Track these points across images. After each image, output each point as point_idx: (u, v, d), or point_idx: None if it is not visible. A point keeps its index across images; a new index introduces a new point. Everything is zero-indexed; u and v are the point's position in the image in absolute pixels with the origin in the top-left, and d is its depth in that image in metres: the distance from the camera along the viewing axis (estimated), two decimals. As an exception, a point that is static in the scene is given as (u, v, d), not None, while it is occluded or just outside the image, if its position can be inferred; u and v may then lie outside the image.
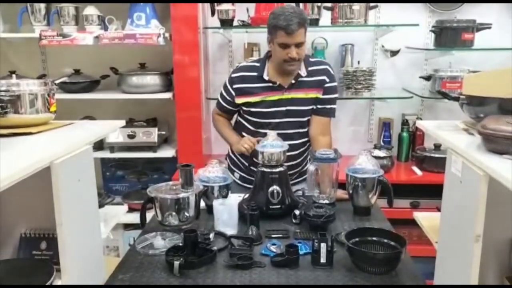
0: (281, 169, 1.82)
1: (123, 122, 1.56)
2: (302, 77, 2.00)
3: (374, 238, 1.51)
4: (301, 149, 2.05)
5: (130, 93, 2.74)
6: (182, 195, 1.68)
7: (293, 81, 1.99)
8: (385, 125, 2.91)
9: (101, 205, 1.54)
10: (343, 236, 1.48)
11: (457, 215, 1.17)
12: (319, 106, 2.03)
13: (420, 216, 1.54)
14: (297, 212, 1.76)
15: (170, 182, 1.78)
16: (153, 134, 2.72)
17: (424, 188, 2.59)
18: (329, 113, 2.06)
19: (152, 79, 2.73)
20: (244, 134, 2.06)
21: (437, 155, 2.64)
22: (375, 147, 2.72)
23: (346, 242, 1.44)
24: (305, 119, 2.04)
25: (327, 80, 2.02)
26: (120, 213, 1.64)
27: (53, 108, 1.47)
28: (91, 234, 1.29)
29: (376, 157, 2.59)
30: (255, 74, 2.02)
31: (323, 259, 1.43)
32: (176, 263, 1.37)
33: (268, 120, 2.00)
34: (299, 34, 1.86)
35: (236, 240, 1.57)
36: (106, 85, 2.91)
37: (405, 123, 2.89)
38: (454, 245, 1.18)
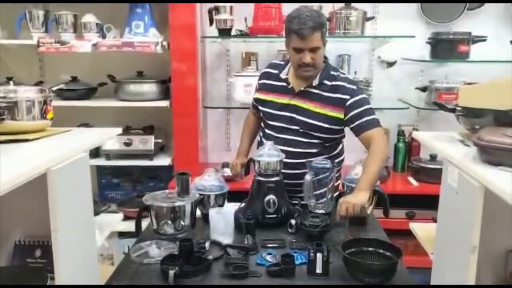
0: (277, 178, 1.82)
1: (119, 130, 1.56)
2: (313, 86, 1.93)
3: (370, 249, 1.51)
4: (310, 159, 1.92)
5: (127, 100, 2.74)
6: (178, 203, 1.67)
7: (302, 88, 1.94)
8: (381, 136, 2.92)
9: (96, 213, 1.53)
10: (339, 247, 1.48)
11: (453, 226, 1.17)
12: (352, 126, 1.89)
13: (416, 227, 1.54)
14: (293, 221, 1.76)
15: (166, 191, 1.78)
16: (150, 142, 2.72)
17: (420, 199, 2.59)
18: (365, 127, 1.85)
19: (150, 87, 2.73)
20: (261, 134, 2.04)
21: (433, 166, 2.65)
22: (371, 157, 2.72)
23: (342, 252, 1.44)
24: (314, 132, 1.92)
25: (347, 97, 1.89)
26: (115, 221, 1.64)
27: (50, 115, 1.47)
28: (86, 242, 1.28)
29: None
30: (277, 72, 2.02)
31: (319, 269, 1.43)
32: (171, 272, 1.36)
33: (275, 123, 1.98)
34: (313, 38, 1.78)
35: (231, 249, 1.56)
36: (103, 93, 2.90)
37: (401, 133, 2.90)
38: (450, 256, 1.18)
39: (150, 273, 1.45)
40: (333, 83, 1.92)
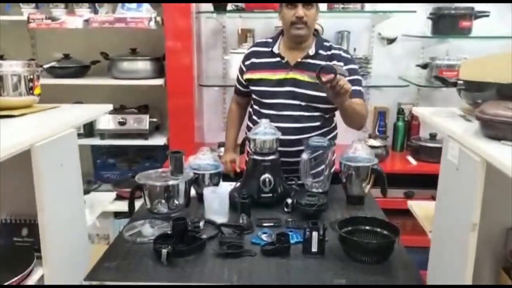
0: (273, 156, 1.77)
1: (109, 107, 1.51)
2: (310, 56, 1.92)
3: (367, 227, 1.48)
4: (311, 134, 1.93)
5: (121, 78, 2.68)
6: (171, 182, 1.64)
7: (299, 59, 1.91)
8: (380, 114, 2.88)
9: (86, 192, 1.50)
10: (335, 225, 1.44)
11: (452, 203, 1.13)
12: None
13: (414, 205, 1.51)
14: (289, 200, 1.73)
15: (160, 170, 1.74)
16: (144, 121, 2.67)
17: (418, 178, 2.56)
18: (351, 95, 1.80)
19: (144, 65, 2.67)
20: (255, 118, 2.00)
21: (432, 145, 2.61)
22: (370, 136, 2.69)
23: (338, 231, 1.41)
24: (315, 104, 1.91)
25: (341, 65, 1.89)
26: (107, 200, 1.60)
27: (37, 91, 1.42)
28: (75, 221, 1.24)
29: (371, 147, 2.54)
30: (267, 49, 1.99)
31: (314, 248, 1.40)
32: (164, 251, 1.33)
33: (274, 100, 1.94)
34: None
35: (226, 228, 1.53)
36: (97, 71, 2.84)
37: (400, 112, 2.85)
38: (449, 234, 1.14)
39: (143, 252, 1.42)
40: (329, 52, 1.93)
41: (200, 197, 1.77)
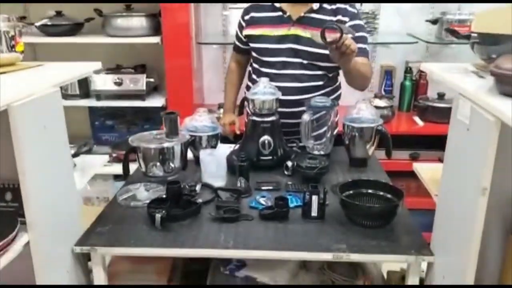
0: (273, 118, 1.69)
1: (98, 65, 1.42)
2: (314, 11, 1.79)
3: (370, 191, 1.42)
4: (313, 94, 1.83)
5: (116, 36, 2.56)
6: (166, 144, 1.57)
7: (302, 14, 1.79)
8: (387, 73, 2.76)
9: (76, 155, 1.44)
10: (336, 189, 1.38)
11: (462, 166, 1.06)
12: None
13: (420, 168, 1.44)
14: (289, 163, 1.66)
15: (154, 132, 1.67)
16: (141, 82, 2.58)
17: (425, 139, 2.48)
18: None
19: (139, 22, 2.55)
20: (254, 77, 1.91)
21: (440, 105, 2.51)
22: (376, 96, 2.58)
23: (339, 195, 1.35)
24: (318, 62, 1.80)
25: (346, 20, 1.78)
26: (100, 162, 1.54)
27: (19, 48, 1.33)
28: (62, 185, 1.19)
29: (377, 107, 2.46)
30: (268, 4, 1.86)
31: (314, 213, 1.35)
32: (158, 215, 1.28)
33: (274, 58, 1.84)
34: None
35: (223, 192, 1.48)
36: (91, 29, 2.72)
37: (408, 71, 2.73)
38: (457, 198, 1.08)
39: (137, 216, 1.38)
40: (333, 6, 1.80)
41: (197, 160, 1.71)
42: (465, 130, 1.03)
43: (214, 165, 1.58)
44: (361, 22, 1.85)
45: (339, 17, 1.79)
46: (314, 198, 1.34)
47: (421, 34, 2.69)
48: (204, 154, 1.60)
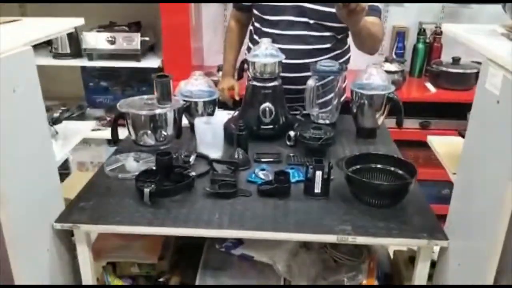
0: (275, 83, 1.55)
1: (80, 21, 1.26)
2: None
3: (379, 166, 1.30)
4: (320, 57, 1.68)
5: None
6: (157, 111, 1.44)
7: None
8: (399, 35, 2.57)
9: (58, 121, 1.31)
10: (342, 163, 1.26)
11: (488, 143, 0.93)
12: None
13: (435, 141, 1.30)
14: (291, 133, 1.54)
15: (145, 96, 1.53)
16: (136, 41, 2.41)
17: (437, 107, 2.34)
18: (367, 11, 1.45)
19: (132, -25, 2.35)
20: (256, 38, 1.75)
21: (454, 70, 2.35)
22: (386, 60, 2.41)
23: (345, 170, 1.23)
24: (326, 23, 1.63)
25: None
26: (84, 129, 1.42)
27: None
28: (37, 156, 1.07)
29: (387, 72, 2.30)
30: None
31: (317, 189, 1.23)
32: (147, 190, 1.17)
33: (278, 17, 1.68)
34: None
35: (219, 164, 1.36)
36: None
37: (421, 32, 2.54)
38: (481, 180, 0.96)
39: (125, 190, 1.27)
40: None
41: (192, 127, 1.58)
42: (495, 102, 0.90)
43: (210, 134, 1.46)
44: None
45: None
46: (318, 174, 1.23)
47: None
48: (199, 122, 1.47)
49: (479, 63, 2.46)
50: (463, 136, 1.08)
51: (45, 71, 2.88)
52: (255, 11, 1.76)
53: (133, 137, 1.48)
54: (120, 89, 2.75)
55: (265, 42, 1.54)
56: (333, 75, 1.58)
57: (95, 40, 2.40)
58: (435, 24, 2.59)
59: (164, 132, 1.47)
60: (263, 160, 1.45)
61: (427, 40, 2.56)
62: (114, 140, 1.49)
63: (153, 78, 1.46)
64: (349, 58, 1.82)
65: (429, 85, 2.43)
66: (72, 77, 2.77)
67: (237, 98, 1.89)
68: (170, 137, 1.50)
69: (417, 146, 2.43)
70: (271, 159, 1.45)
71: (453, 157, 1.15)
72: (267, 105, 1.55)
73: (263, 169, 1.37)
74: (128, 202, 1.21)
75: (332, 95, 1.64)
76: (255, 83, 1.56)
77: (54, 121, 1.27)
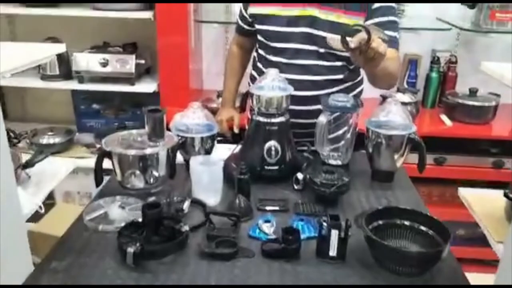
0: (282, 119, 1.38)
1: (61, 48, 1.09)
2: None
3: (405, 223, 1.11)
4: (331, 89, 1.53)
5: (102, 10, 2.21)
6: (148, 151, 1.26)
7: None
8: (412, 64, 2.42)
9: (29, 165, 1.13)
10: (361, 220, 1.08)
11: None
12: None
13: (468, 196, 1.12)
14: (300, 176, 1.36)
15: (134, 131, 1.36)
16: (130, 63, 2.24)
17: (453, 142, 2.16)
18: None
19: (129, -6, 2.20)
20: (260, 66, 1.61)
21: (472, 103, 2.19)
22: (399, 90, 2.25)
23: (366, 230, 1.04)
24: (340, 52, 1.47)
25: None
26: (63, 171, 1.23)
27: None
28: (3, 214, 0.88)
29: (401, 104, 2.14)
30: None
31: (332, 251, 1.05)
32: (130, 250, 0.98)
33: (285, 44, 1.52)
34: None
35: (217, 216, 1.17)
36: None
37: (435, 61, 2.39)
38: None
39: (105, 246, 1.08)
40: None
41: (188, 165, 1.40)
42: None
43: (207, 177, 1.27)
44: (392, 4, 1.51)
45: None
46: (334, 233, 1.04)
47: (452, 18, 2.34)
48: (195, 163, 1.29)
49: (497, 95, 2.32)
50: (510, 199, 0.90)
51: (33, 92, 2.74)
52: (259, 37, 1.60)
53: (119, 178, 1.30)
54: (113, 113, 2.57)
55: (272, 73, 1.37)
56: (347, 111, 1.41)
57: (87, 61, 2.23)
58: (450, 52, 2.44)
59: (155, 173, 1.29)
60: (267, 208, 1.26)
61: (441, 69, 2.40)
62: (97, 183, 1.31)
63: (144, 112, 1.28)
64: (362, 91, 1.66)
65: (444, 118, 2.26)
66: (61, 99, 2.60)
67: (236, 130, 1.72)
68: (162, 178, 1.32)
69: (431, 182, 2.26)
70: (277, 208, 1.27)
71: (495, 220, 0.97)
72: (272, 143, 1.37)
73: (267, 221, 1.19)
74: (108, 263, 1.02)
75: (344, 129, 1.46)
76: (259, 118, 1.38)
77: (25, 165, 1.08)
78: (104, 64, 2.22)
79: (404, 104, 2.15)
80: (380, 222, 1.11)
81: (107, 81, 2.30)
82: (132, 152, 1.25)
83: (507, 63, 1.08)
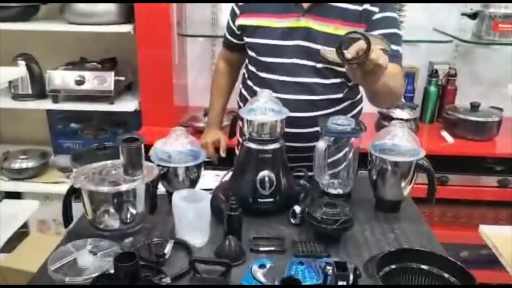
0: (276, 145, 1.23)
1: (21, 71, 0.93)
2: None
3: (423, 267, 0.97)
4: (329, 109, 1.39)
5: (77, 23, 2.05)
6: (123, 187, 1.09)
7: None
8: (409, 77, 2.29)
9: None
10: (373, 266, 0.93)
11: None
12: None
13: (492, 235, 0.99)
14: (297, 209, 1.21)
15: (109, 162, 1.19)
16: (108, 81, 2.08)
17: (455, 160, 2.03)
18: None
19: (106, 6, 2.04)
20: (250, 84, 1.47)
21: (474, 118, 2.07)
22: (397, 106, 2.12)
23: (376, 278, 0.89)
24: (336, 67, 1.33)
25: (375, 10, 1.32)
26: (25, 211, 1.06)
27: None
28: None
29: (397, 119, 2.01)
30: None
31: (340, 305, 0.89)
32: (100, 313, 0.82)
33: (278, 59, 1.38)
34: None
35: (203, 264, 1.01)
36: (48, 12, 2.22)
37: (433, 74, 2.27)
38: None
39: (72, 304, 0.91)
40: None
41: (171, 196, 1.23)
42: None
43: (193, 214, 1.11)
44: (395, 14, 1.38)
45: (366, 6, 1.32)
46: (341, 284, 0.89)
47: (450, 29, 2.23)
48: (178, 198, 1.13)
49: (500, 109, 2.21)
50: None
51: (6, 112, 2.56)
52: (249, 51, 1.46)
53: (90, 217, 1.13)
54: (92, 133, 2.40)
55: (265, 95, 1.23)
56: (349, 136, 1.26)
57: (61, 79, 2.07)
58: (447, 64, 2.32)
59: (132, 210, 1.13)
60: (261, 249, 1.11)
61: (439, 82, 2.28)
62: (66, 224, 1.14)
63: (119, 142, 1.12)
64: (361, 110, 1.53)
65: (445, 134, 2.13)
66: (36, 118, 2.42)
67: (223, 154, 1.57)
68: (141, 215, 1.15)
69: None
70: (272, 248, 1.11)
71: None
72: (266, 173, 1.22)
73: (262, 265, 1.03)
74: (73, 327, 0.86)
75: (345, 150, 1.31)
76: (251, 145, 1.23)
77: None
78: (80, 82, 2.05)
79: (403, 121, 2.03)
80: (393, 266, 0.97)
81: (84, 100, 2.13)
82: (104, 188, 1.08)
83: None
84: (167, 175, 1.25)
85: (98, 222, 1.12)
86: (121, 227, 1.13)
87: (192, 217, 1.11)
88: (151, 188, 1.16)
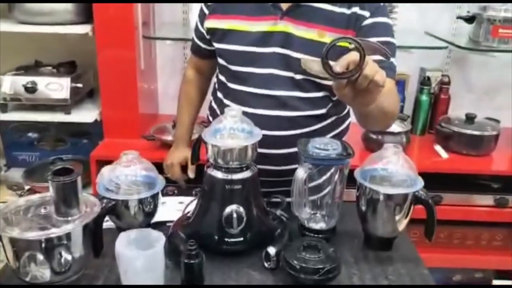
0: (247, 174, 1.02)
1: None
2: None
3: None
4: (311, 128, 1.21)
5: (28, 23, 1.81)
6: (53, 232, 0.87)
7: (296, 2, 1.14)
8: (399, 84, 2.11)
9: None
10: None
11: None
12: None
13: None
14: (271, 251, 1.00)
15: (37, 196, 0.97)
16: (64, 88, 1.84)
17: (449, 178, 1.85)
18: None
19: (61, 5, 1.80)
20: (220, 96, 1.28)
21: (470, 132, 1.89)
22: (387, 117, 1.93)
23: None
24: (321, 80, 1.14)
25: (366, 14, 1.12)
26: None
27: None
28: None
29: (389, 134, 1.84)
30: None
31: None
32: None
33: (251, 68, 1.18)
34: None
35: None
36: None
37: (425, 81, 2.09)
38: None
39: None
40: None
41: (121, 231, 1.02)
42: None
43: (142, 265, 0.89)
44: (388, 20, 1.18)
45: (355, 9, 1.13)
46: None
47: (443, 33, 2.05)
48: (122, 244, 0.91)
49: (497, 120, 2.04)
50: None
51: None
52: (219, 58, 1.26)
53: (14, 266, 0.90)
54: (50, 145, 2.16)
55: (233, 114, 1.01)
56: (333, 164, 1.06)
57: (10, 86, 1.82)
58: (440, 70, 2.15)
59: (67, 257, 0.91)
60: (227, 307, 0.90)
61: (432, 91, 2.10)
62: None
63: (48, 176, 0.90)
64: (348, 126, 1.33)
65: (439, 149, 1.95)
66: (-14, 128, 2.17)
67: (191, 176, 1.37)
68: (80, 262, 0.93)
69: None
70: (241, 304, 0.91)
71: None
72: (233, 208, 1.01)
73: (226, 330, 0.82)
74: None
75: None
76: (215, 173, 1.02)
77: None
78: (32, 89, 1.80)
79: (395, 134, 1.86)
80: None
81: (36, 109, 1.89)
82: (28, 235, 0.86)
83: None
84: (115, 209, 1.03)
85: (23, 272, 0.90)
86: (53, 278, 0.90)
87: (141, 268, 0.89)
88: (94, 227, 0.94)
